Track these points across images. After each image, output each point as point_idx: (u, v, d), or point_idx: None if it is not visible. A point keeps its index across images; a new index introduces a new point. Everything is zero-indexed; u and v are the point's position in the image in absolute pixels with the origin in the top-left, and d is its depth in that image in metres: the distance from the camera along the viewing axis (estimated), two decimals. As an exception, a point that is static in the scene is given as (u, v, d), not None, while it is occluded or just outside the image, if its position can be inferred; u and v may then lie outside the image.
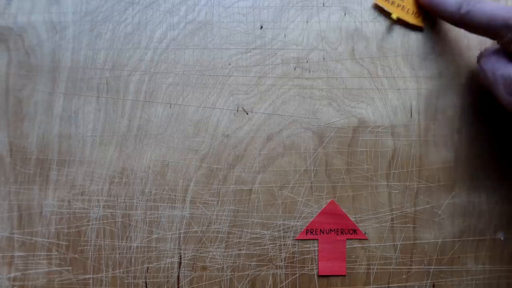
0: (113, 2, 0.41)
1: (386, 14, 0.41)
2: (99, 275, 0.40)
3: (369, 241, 0.40)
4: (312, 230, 0.40)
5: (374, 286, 0.40)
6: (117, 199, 0.40)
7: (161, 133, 0.41)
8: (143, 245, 0.40)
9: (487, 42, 0.41)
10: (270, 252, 0.40)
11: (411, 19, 0.41)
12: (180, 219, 0.40)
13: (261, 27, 0.41)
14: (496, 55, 0.34)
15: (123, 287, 0.40)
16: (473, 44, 0.41)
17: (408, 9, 0.41)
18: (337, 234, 0.40)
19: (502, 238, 0.40)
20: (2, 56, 0.41)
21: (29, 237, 0.40)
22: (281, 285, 0.40)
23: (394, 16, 0.40)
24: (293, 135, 0.41)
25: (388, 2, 0.41)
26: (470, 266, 0.40)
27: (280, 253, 0.40)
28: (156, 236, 0.40)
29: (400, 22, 0.41)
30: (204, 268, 0.40)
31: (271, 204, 0.41)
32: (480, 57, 0.36)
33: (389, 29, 0.40)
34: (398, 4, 0.41)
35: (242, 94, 0.41)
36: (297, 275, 0.40)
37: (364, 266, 0.40)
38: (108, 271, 0.40)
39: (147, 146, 0.41)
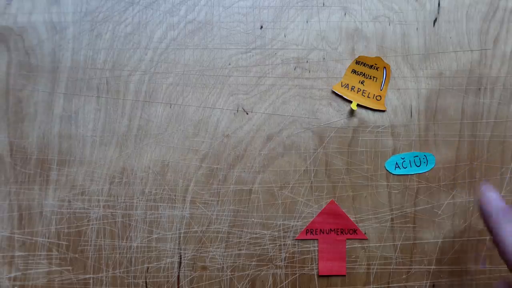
0: (113, 2, 0.41)
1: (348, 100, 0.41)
2: (99, 275, 0.40)
3: (369, 241, 0.40)
4: (312, 230, 0.40)
5: (374, 286, 0.40)
6: (117, 199, 0.40)
7: (161, 133, 0.41)
8: (143, 245, 0.40)
9: (488, 43, 0.41)
10: (270, 252, 0.40)
11: (372, 104, 0.40)
12: (180, 219, 0.40)
13: (261, 27, 0.41)
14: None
15: (123, 287, 0.40)
16: (473, 44, 0.41)
17: (369, 93, 0.40)
18: (337, 234, 0.40)
19: (502, 238, 0.40)
20: (2, 56, 0.41)
21: (29, 237, 0.40)
22: (281, 285, 0.40)
23: (353, 105, 0.40)
24: (293, 135, 0.41)
25: (347, 89, 0.40)
26: (470, 266, 0.40)
27: (280, 253, 0.40)
28: (156, 236, 0.40)
29: (362, 106, 0.41)
30: (204, 268, 0.40)
31: (271, 204, 0.41)
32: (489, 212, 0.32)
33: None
34: (358, 89, 0.40)
35: (242, 94, 0.41)
36: (297, 275, 0.40)
37: (364, 266, 0.40)
38: (108, 271, 0.40)
39: (147, 146, 0.41)
